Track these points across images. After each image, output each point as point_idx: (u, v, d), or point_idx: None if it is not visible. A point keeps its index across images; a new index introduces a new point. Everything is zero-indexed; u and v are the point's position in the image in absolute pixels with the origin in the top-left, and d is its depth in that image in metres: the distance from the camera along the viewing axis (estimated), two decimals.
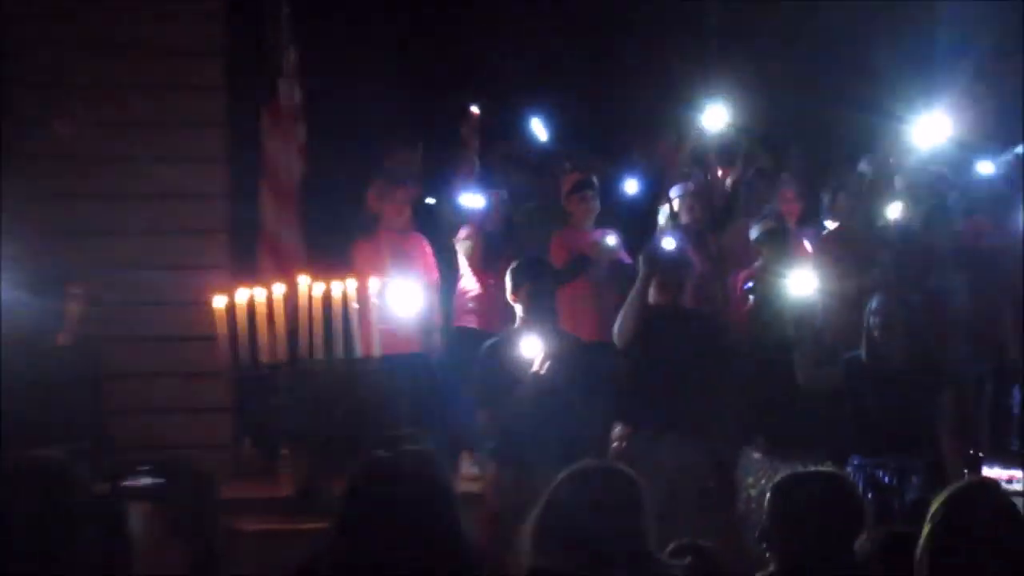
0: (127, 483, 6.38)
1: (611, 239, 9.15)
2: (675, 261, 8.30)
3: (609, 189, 10.01)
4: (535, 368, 7.33)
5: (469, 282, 9.34)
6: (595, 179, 9.66)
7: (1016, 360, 9.44)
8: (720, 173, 10.28)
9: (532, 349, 7.35)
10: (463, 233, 9.39)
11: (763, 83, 11.02)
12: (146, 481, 6.29)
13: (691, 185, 9.65)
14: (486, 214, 9.49)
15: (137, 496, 6.05)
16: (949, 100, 10.54)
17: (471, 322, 9.21)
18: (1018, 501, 5.04)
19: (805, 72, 11.94)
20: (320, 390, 7.96)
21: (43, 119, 9.12)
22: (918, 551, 4.21)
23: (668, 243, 8.49)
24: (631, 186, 10.20)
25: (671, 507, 6.20)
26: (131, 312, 8.94)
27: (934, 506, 4.28)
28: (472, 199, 9.51)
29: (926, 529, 4.22)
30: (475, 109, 10.47)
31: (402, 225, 9.27)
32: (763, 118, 10.96)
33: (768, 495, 4.74)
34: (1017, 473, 8.38)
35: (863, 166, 10.57)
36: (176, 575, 4.66)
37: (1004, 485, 7.13)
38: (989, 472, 8.04)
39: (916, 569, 4.23)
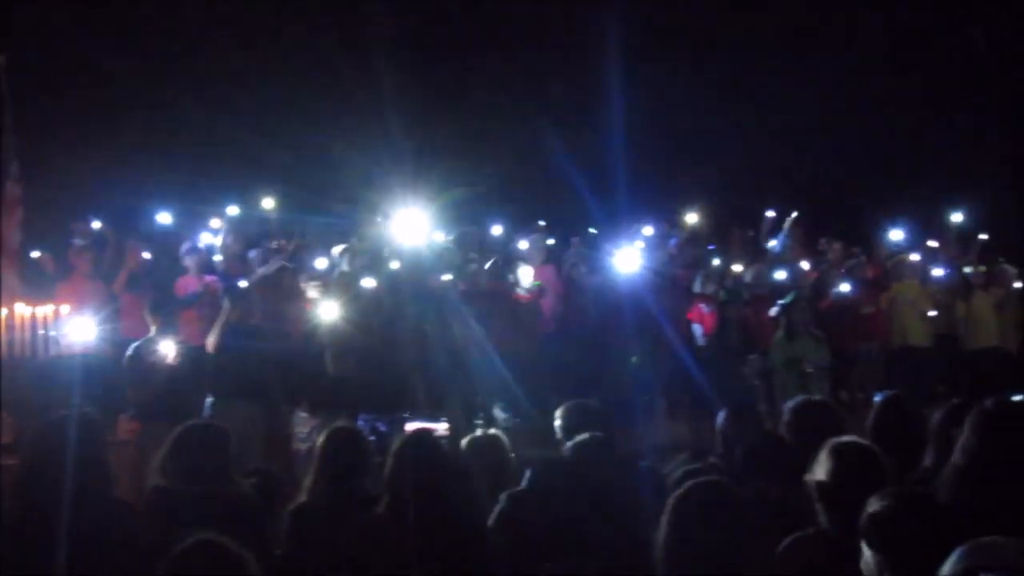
0: None
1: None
2: (245, 297, 8.21)
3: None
4: (169, 361, 7.38)
5: (126, 308, 9.03)
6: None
7: None
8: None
9: (168, 350, 7.42)
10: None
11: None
12: None
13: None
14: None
15: None
16: None
17: (127, 331, 8.67)
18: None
19: None
20: (25, 374, 7.64)
21: None
22: (387, 471, 4.35)
23: (242, 284, 8.51)
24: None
25: (246, 446, 6.16)
26: None
27: (396, 444, 4.45)
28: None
29: (390, 458, 4.39)
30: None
31: (87, 273, 9.06)
32: None
33: (319, 439, 4.78)
34: (435, 424, 8.08)
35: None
36: None
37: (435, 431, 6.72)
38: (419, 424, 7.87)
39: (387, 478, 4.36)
